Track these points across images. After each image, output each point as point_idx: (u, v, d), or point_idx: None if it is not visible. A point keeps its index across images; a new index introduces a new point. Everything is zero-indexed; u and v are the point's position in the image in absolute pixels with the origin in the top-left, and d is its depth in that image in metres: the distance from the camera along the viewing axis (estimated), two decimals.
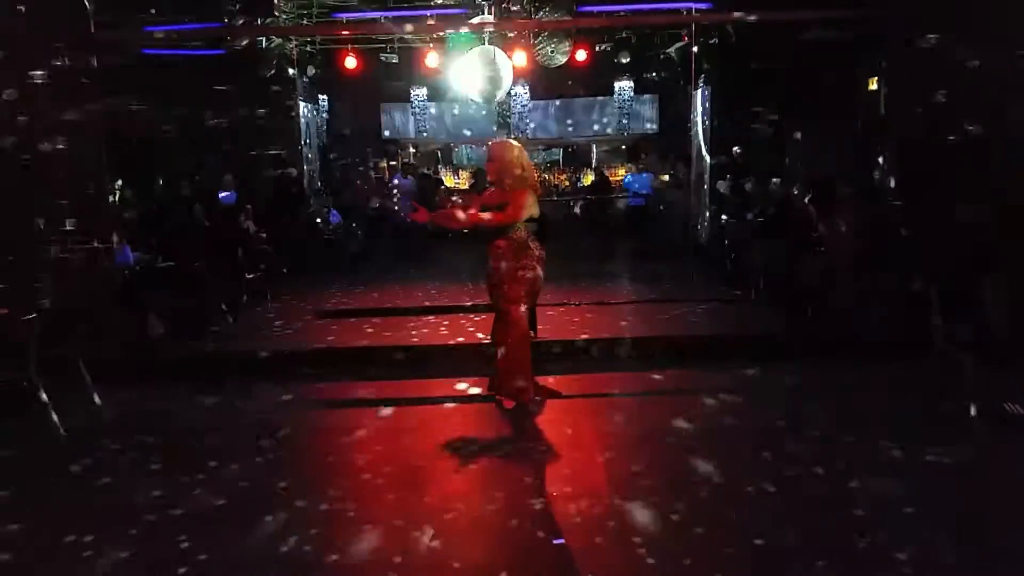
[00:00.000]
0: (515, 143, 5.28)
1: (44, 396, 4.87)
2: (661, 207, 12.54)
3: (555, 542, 3.37)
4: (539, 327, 6.28)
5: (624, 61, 13.34)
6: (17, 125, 6.10)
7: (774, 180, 10.09)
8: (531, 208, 5.08)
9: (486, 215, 5.00)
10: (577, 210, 14.72)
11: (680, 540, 3.34)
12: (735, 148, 11.69)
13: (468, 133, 16.75)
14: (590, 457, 4.34)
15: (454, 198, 5.40)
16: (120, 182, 10.91)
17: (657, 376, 5.84)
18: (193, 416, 5.26)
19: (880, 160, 7.03)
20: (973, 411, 4.59)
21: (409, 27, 10.52)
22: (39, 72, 6.08)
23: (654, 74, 13.93)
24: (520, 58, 11.63)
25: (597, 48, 12.55)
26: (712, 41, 10.85)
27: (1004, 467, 4.08)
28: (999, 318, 5.00)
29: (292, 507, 3.76)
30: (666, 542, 3.32)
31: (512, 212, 4.99)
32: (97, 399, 5.24)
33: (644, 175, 13.74)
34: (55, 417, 4.85)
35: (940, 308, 4.99)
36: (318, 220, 11.64)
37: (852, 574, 3.08)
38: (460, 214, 4.99)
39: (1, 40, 6.00)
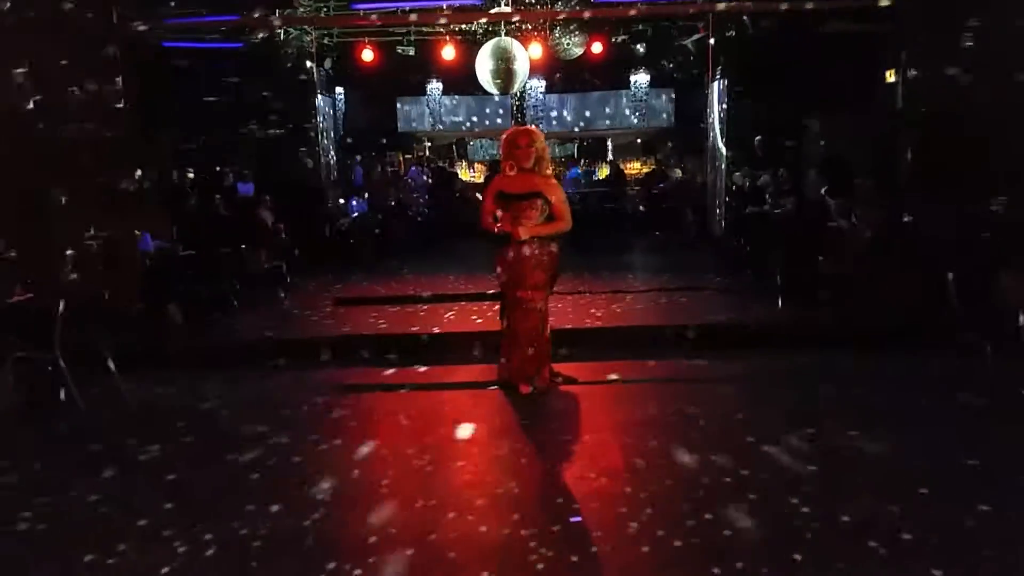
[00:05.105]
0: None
1: (69, 380, 4.97)
2: (675, 200, 12.54)
3: (572, 520, 3.42)
4: (557, 315, 6.30)
5: (640, 53, 13.30)
6: (40, 113, 6.20)
7: (782, 172, 10.11)
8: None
9: (547, 227, 5.07)
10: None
11: (688, 525, 3.37)
12: (756, 138, 11.64)
13: (483, 126, 16.79)
14: (605, 442, 4.38)
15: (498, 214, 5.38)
16: (140, 171, 11.00)
17: (672, 363, 5.85)
18: (211, 403, 5.32)
19: (898, 153, 7.02)
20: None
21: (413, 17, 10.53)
22: (63, 61, 6.19)
23: (671, 66, 13.88)
24: (536, 50, 11.64)
25: (613, 40, 12.51)
26: (729, 33, 10.80)
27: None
28: (1015, 309, 4.99)
29: (318, 486, 3.84)
30: (676, 526, 3.36)
31: (567, 216, 5.11)
32: (121, 387, 5.30)
33: None
34: (80, 401, 4.95)
35: (957, 299, 4.99)
36: (335, 211, 11.71)
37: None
38: (522, 230, 5.01)
39: (27, 31, 6.10)
